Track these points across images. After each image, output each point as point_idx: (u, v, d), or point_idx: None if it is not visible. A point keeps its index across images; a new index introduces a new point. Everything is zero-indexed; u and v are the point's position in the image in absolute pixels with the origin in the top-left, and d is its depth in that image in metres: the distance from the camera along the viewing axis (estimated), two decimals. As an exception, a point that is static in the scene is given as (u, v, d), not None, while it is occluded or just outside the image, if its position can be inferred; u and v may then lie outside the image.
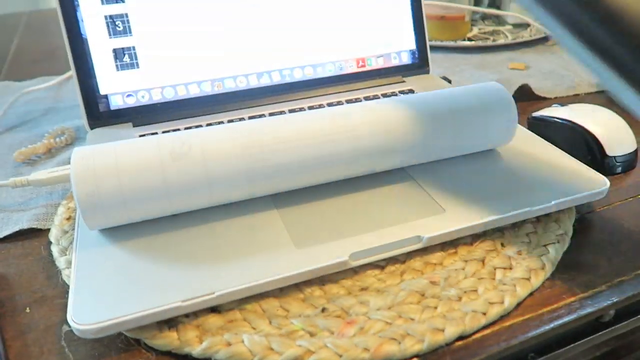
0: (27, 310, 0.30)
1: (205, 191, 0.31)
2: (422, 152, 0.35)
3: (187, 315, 0.28)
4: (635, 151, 0.41)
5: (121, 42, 0.44)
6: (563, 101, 0.54)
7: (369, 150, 0.34)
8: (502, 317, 0.28)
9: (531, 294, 0.29)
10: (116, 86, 0.45)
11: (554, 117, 0.44)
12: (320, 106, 0.48)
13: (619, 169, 0.41)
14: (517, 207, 0.33)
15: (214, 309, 0.28)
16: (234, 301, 0.28)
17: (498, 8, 0.77)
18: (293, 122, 0.33)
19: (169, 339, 0.26)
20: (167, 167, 0.30)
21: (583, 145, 0.41)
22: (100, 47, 0.44)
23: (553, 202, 0.33)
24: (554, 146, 0.40)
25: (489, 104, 0.36)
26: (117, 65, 0.45)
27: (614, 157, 0.40)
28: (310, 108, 0.47)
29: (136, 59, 0.45)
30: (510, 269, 0.30)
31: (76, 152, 0.30)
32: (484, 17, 0.77)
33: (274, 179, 0.32)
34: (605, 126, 0.41)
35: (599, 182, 0.35)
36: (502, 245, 0.32)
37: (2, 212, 0.38)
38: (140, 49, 0.45)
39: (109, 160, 0.30)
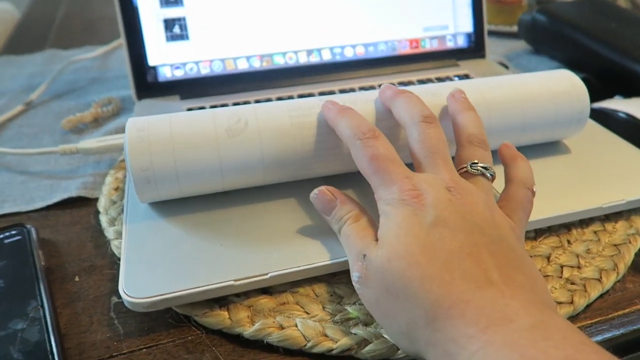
0: (76, 278, 0.29)
1: (259, 168, 0.30)
2: (491, 139, 0.33)
3: (238, 295, 0.27)
4: None
5: (172, 12, 0.44)
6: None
7: None
8: (570, 318, 0.26)
9: (601, 296, 0.28)
10: (165, 58, 0.44)
11: (613, 110, 0.41)
12: (372, 87, 0.46)
13: None
14: (587, 203, 0.31)
15: (265, 291, 0.27)
16: (286, 284, 0.27)
17: (555, -7, 0.74)
18: (352, 103, 0.32)
19: (220, 318, 0.26)
20: (223, 144, 0.29)
21: None
22: (151, 17, 0.43)
23: (625, 200, 0.31)
24: (624, 140, 0.37)
25: (561, 92, 0.34)
26: (167, 36, 0.44)
27: None
28: (361, 89, 0.46)
29: (186, 30, 0.44)
30: (579, 268, 0.28)
31: (131, 122, 0.29)
32: (540, 1, 0.73)
33: (328, 160, 0.31)
34: None
35: (675, 181, 0.33)
36: (569, 242, 0.30)
37: (50, 179, 0.38)
38: (191, 20, 0.44)
39: (164, 133, 0.29)
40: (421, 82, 0.47)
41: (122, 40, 0.43)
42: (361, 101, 0.31)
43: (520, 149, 0.36)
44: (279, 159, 0.30)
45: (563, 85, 0.34)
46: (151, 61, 0.44)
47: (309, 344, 0.24)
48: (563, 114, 0.34)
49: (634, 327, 0.26)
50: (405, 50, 0.49)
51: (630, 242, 0.30)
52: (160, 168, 0.28)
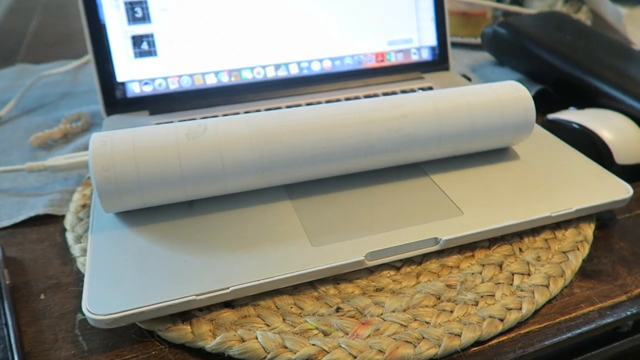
0: (42, 296, 0.30)
1: (219, 174, 0.31)
2: (440, 146, 0.35)
3: (200, 309, 0.28)
4: None
5: (140, 29, 0.44)
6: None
7: (384, 142, 0.33)
8: (519, 324, 0.28)
9: (549, 302, 0.29)
10: (134, 74, 0.45)
11: (567, 120, 0.43)
12: (338, 100, 0.47)
13: (629, 178, 0.39)
14: (537, 212, 0.32)
15: (228, 304, 0.28)
16: (248, 297, 0.28)
17: (520, 4, 0.76)
18: (308, 111, 0.33)
19: (182, 332, 0.26)
20: (183, 147, 0.30)
21: (592, 151, 0.40)
22: (119, 33, 0.44)
23: (574, 209, 0.33)
24: (576, 150, 0.39)
25: (507, 100, 0.36)
26: (135, 53, 0.44)
27: (624, 165, 0.39)
28: (328, 102, 0.47)
29: (154, 46, 0.45)
30: (529, 275, 0.30)
31: (95, 135, 0.31)
32: (506, 14, 0.76)
33: (287, 165, 0.32)
34: (617, 133, 0.40)
35: (621, 190, 0.34)
36: (520, 250, 0.32)
37: (18, 197, 0.38)
38: (159, 36, 0.45)
39: (127, 141, 0.30)
40: (386, 94, 0.48)
41: (90, 57, 0.43)
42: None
43: (475, 157, 0.38)
44: (237, 163, 0.31)
45: (509, 93, 0.36)
46: (120, 77, 0.44)
47: (269, 356, 0.25)
48: (510, 118, 0.36)
49: (580, 331, 0.28)
50: (371, 63, 0.51)
51: (578, 249, 0.32)
52: (123, 174, 0.29)
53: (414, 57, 0.52)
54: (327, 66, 0.49)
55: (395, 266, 0.31)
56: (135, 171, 0.29)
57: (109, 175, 0.29)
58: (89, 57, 0.44)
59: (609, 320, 0.28)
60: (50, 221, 0.36)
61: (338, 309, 0.28)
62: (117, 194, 0.30)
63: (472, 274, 0.30)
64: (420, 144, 0.34)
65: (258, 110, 0.45)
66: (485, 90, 0.36)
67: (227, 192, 0.33)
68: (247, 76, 0.47)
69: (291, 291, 0.29)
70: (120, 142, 0.30)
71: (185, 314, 0.27)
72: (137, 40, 0.44)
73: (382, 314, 0.27)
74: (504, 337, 0.27)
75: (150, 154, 0.30)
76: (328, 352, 0.25)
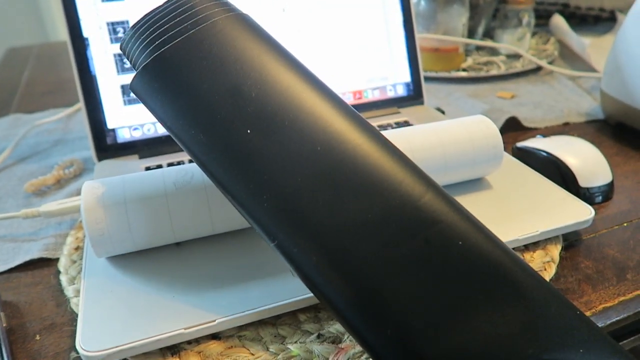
0: (37, 337, 0.31)
1: (206, 219, 0.33)
2: None
3: (189, 342, 0.29)
4: (611, 183, 0.42)
5: (129, 78, 0.47)
6: (553, 130, 0.56)
7: None
8: (489, 343, 0.29)
9: (518, 320, 0.31)
10: (123, 120, 0.47)
11: (535, 148, 0.46)
12: (319, 137, 0.50)
13: (594, 200, 0.42)
14: (506, 236, 0.34)
15: (214, 336, 0.30)
16: (233, 328, 0.30)
17: (492, 38, 0.80)
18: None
19: (171, 365, 0.28)
20: (171, 197, 0.32)
21: (559, 176, 0.43)
22: (109, 83, 0.46)
23: (539, 231, 0.35)
24: (541, 175, 0.42)
25: (477, 137, 0.38)
26: (124, 100, 0.47)
27: (588, 188, 0.42)
28: (309, 139, 0.49)
29: (143, 94, 0.47)
30: (498, 296, 0.32)
31: (87, 184, 0.32)
32: (479, 48, 0.80)
33: None
34: (581, 158, 0.43)
35: (584, 212, 0.37)
36: (491, 272, 0.34)
37: (13, 242, 0.40)
38: (147, 84, 0.47)
39: (117, 191, 0.32)
40: (364, 130, 0.51)
41: (81, 107, 0.46)
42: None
43: (451, 187, 0.40)
44: (224, 206, 0.33)
45: (479, 130, 0.38)
46: (110, 124, 0.47)
47: (254, 383, 0.27)
48: (480, 156, 0.38)
49: (548, 347, 0.29)
50: (350, 101, 0.54)
51: (545, 269, 0.34)
52: (114, 222, 0.31)
53: (390, 93, 0.55)
54: (307, 105, 0.52)
55: (373, 293, 0.32)
56: (126, 223, 0.31)
57: (102, 227, 0.31)
58: (80, 105, 0.46)
59: (575, 335, 0.30)
60: (45, 264, 0.37)
61: (319, 336, 0.29)
62: (109, 243, 0.32)
63: (446, 297, 0.32)
64: None
65: (242, 150, 0.48)
66: (457, 128, 0.38)
67: (213, 233, 0.34)
68: (232, 118, 0.50)
69: (274, 320, 0.31)
70: (111, 194, 0.32)
71: (174, 347, 0.29)
72: (126, 89, 0.47)
73: (360, 339, 0.29)
74: (476, 356, 0.28)
75: (141, 206, 0.32)
76: (310, 378, 0.27)
